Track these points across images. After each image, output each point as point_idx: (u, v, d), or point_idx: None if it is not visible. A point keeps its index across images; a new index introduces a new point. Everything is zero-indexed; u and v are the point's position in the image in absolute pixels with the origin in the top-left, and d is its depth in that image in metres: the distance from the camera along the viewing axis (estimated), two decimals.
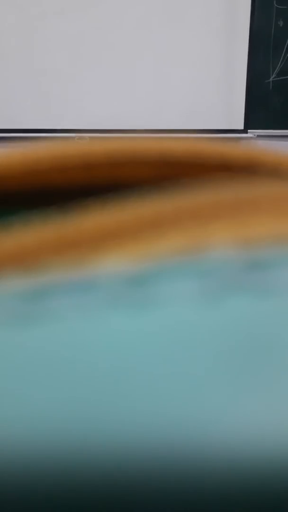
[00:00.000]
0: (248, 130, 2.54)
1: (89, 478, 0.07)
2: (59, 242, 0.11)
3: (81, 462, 0.07)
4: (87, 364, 0.08)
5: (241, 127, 2.55)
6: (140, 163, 0.14)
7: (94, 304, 0.09)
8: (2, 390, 0.08)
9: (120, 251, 0.10)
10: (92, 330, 0.09)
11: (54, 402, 0.08)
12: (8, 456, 0.07)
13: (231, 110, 2.55)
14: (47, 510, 0.07)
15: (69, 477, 0.07)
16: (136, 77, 2.49)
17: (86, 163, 0.14)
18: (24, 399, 0.08)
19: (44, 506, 0.07)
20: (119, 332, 0.09)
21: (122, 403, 0.08)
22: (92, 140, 0.14)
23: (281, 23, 2.46)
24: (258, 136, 2.53)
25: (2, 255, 0.11)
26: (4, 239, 0.11)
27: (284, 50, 2.48)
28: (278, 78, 2.51)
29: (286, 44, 2.48)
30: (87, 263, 0.10)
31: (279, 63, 2.50)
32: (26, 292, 0.10)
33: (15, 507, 0.07)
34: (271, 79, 2.51)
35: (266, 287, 0.10)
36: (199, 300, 0.09)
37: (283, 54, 2.49)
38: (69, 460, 0.07)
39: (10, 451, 0.07)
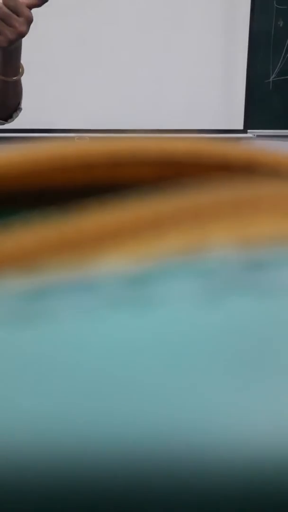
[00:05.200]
0: (248, 130, 2.54)
1: (89, 479, 0.07)
2: (59, 242, 0.11)
3: (81, 462, 0.07)
4: (87, 363, 0.08)
5: (241, 127, 2.55)
6: (140, 163, 0.14)
7: (94, 304, 0.09)
8: (2, 390, 0.08)
9: (120, 251, 0.10)
10: (92, 330, 0.09)
11: (54, 402, 0.08)
12: (7, 457, 0.07)
13: (231, 110, 2.55)
14: (47, 510, 0.07)
15: (69, 478, 0.07)
16: (136, 77, 2.49)
17: (86, 163, 0.14)
18: (24, 398, 0.08)
19: (45, 506, 0.07)
20: (119, 332, 0.09)
21: (122, 402, 0.08)
22: (92, 140, 0.14)
23: (281, 23, 2.46)
24: (258, 136, 2.53)
25: (2, 255, 0.11)
26: (4, 239, 0.11)
27: (284, 50, 2.48)
28: (278, 78, 2.51)
29: (286, 44, 2.48)
30: (87, 263, 0.10)
31: (279, 63, 2.50)
32: (26, 292, 0.10)
33: (15, 507, 0.07)
34: (271, 79, 2.51)
35: (266, 287, 0.10)
36: (199, 299, 0.09)
37: (283, 54, 2.49)
38: (68, 461, 0.07)
39: (10, 451, 0.07)
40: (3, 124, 1.09)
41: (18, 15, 0.93)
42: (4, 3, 0.91)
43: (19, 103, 1.07)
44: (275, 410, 0.08)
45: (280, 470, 0.07)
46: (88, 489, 0.07)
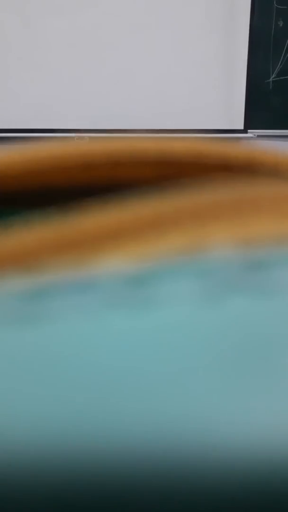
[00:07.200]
0: (248, 130, 2.54)
1: (89, 478, 0.07)
2: (59, 242, 0.11)
3: (82, 461, 0.07)
4: (87, 363, 0.08)
5: (241, 127, 2.55)
6: (140, 163, 0.14)
7: (94, 304, 0.09)
8: (2, 390, 0.08)
9: (120, 251, 0.10)
10: (92, 330, 0.09)
11: (54, 402, 0.08)
12: (8, 456, 0.07)
13: (231, 110, 2.55)
14: (46, 510, 0.07)
15: (70, 477, 0.07)
16: (136, 77, 2.49)
17: (86, 163, 0.14)
18: (24, 398, 0.08)
19: (44, 506, 0.07)
20: (119, 332, 0.09)
21: (121, 402, 0.08)
22: (92, 140, 0.14)
23: (281, 23, 2.46)
24: (258, 136, 2.53)
25: (2, 255, 0.11)
26: (5, 239, 0.11)
27: (284, 50, 2.48)
28: (278, 78, 2.51)
29: (286, 44, 2.48)
30: (87, 263, 0.10)
31: (279, 63, 2.49)
32: (26, 292, 0.10)
33: (15, 506, 0.07)
34: (271, 79, 2.51)
35: (266, 287, 0.10)
36: (199, 300, 0.09)
37: (283, 54, 2.49)
38: (69, 460, 0.07)
39: (10, 450, 0.07)
40: None
41: None
42: None
43: None
44: (276, 410, 0.08)
45: (281, 471, 0.07)
46: (87, 489, 0.07)
